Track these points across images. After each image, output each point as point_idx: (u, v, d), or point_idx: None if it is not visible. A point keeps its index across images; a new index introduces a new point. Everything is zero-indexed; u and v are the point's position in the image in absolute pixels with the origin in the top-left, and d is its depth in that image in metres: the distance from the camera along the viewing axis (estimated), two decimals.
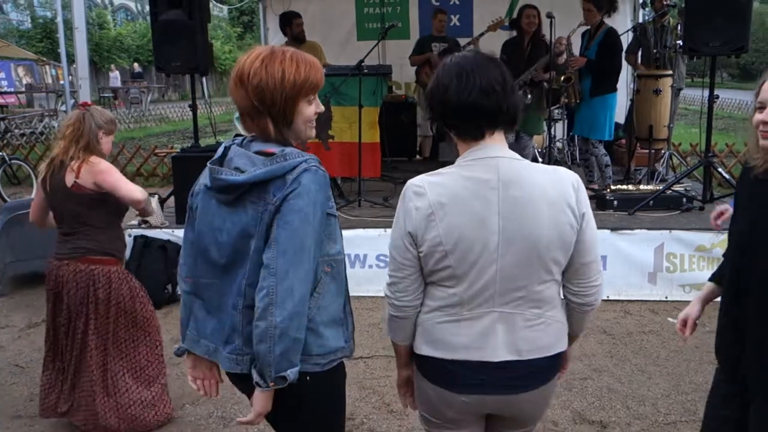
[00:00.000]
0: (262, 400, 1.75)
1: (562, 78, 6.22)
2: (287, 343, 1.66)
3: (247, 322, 1.72)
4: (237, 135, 1.87)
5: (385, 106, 6.50)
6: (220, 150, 1.84)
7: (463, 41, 7.60)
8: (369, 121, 6.15)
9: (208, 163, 1.79)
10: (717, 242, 4.90)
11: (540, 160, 8.19)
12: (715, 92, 5.58)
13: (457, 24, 9.22)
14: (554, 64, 6.23)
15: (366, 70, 6.00)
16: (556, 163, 8.69)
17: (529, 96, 6.34)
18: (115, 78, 26.36)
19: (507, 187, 1.73)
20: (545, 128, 7.02)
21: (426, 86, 6.99)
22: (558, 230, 1.73)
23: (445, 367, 1.84)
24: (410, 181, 1.80)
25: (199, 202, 1.85)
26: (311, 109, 1.78)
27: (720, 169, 6.05)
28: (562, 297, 1.88)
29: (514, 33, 6.84)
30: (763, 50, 42.69)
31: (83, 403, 3.21)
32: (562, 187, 1.76)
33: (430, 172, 1.81)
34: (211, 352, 1.85)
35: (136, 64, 27.82)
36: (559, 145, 8.94)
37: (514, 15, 8.82)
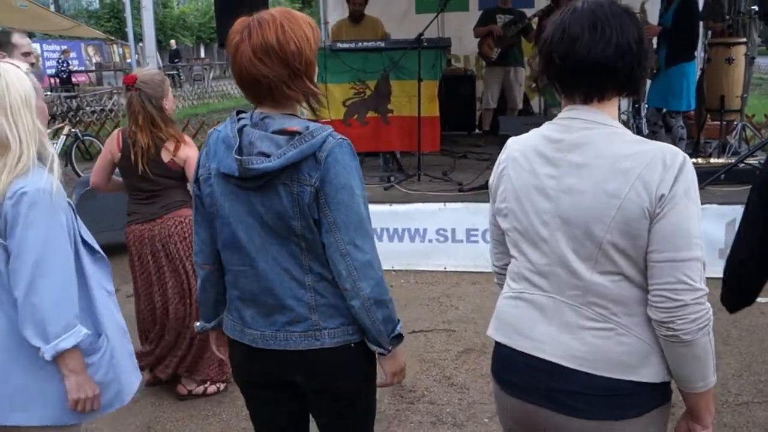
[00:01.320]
0: (389, 362, 1.84)
1: None
2: (383, 307, 1.75)
3: (320, 295, 1.75)
4: (240, 111, 1.77)
5: (444, 79, 6.44)
6: (232, 133, 1.71)
7: (529, 13, 7.43)
8: (428, 94, 6.10)
9: (234, 155, 1.67)
10: None
11: None
12: None
13: None
14: None
15: (425, 44, 5.94)
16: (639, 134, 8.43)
17: None
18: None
19: (572, 151, 1.51)
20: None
21: (488, 59, 6.94)
22: (620, 207, 1.43)
23: (499, 353, 1.68)
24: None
25: (214, 188, 1.77)
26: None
27: None
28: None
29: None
30: None
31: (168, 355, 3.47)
32: (644, 160, 1.43)
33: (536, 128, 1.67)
34: (258, 339, 1.81)
35: (173, 42, 26.93)
36: (623, 117, 8.70)
37: None
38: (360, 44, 6.21)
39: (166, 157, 3.21)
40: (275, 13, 1.67)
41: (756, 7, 5.81)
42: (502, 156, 1.68)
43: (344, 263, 1.69)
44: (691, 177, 1.44)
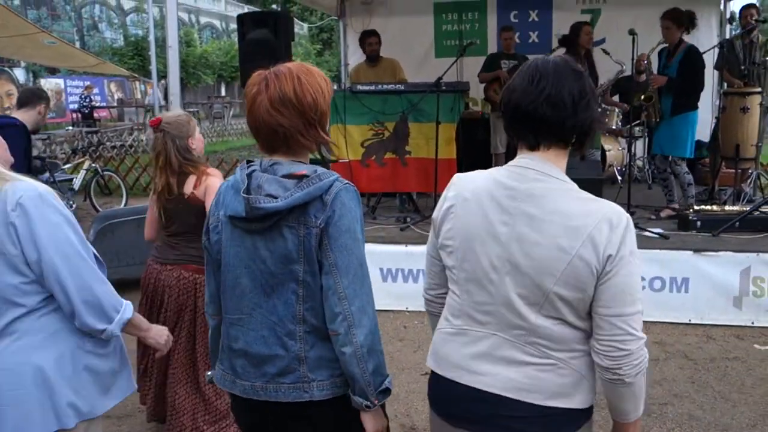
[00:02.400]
0: (371, 419, 1.79)
1: (642, 97, 6.10)
2: (375, 358, 1.74)
3: (310, 347, 1.76)
4: (248, 161, 1.83)
5: (462, 122, 6.54)
6: (241, 178, 1.77)
7: (532, 58, 7.56)
8: (446, 137, 6.20)
9: (242, 194, 1.72)
10: None
11: (620, 178, 8.04)
12: None
13: (536, 41, 9.19)
14: (635, 83, 6.14)
15: (444, 87, 6.06)
16: (636, 181, 8.51)
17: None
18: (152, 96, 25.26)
19: (527, 201, 1.57)
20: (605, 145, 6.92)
21: (495, 104, 7.06)
22: (570, 263, 1.51)
23: (440, 387, 1.71)
24: (458, 173, 1.77)
25: (221, 235, 1.82)
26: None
27: None
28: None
29: (563, 50, 6.78)
30: None
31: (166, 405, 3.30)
32: (592, 219, 1.52)
33: (482, 170, 1.74)
34: (249, 390, 1.82)
35: (163, 82, 26.19)
36: (639, 163, 8.75)
37: (593, 34, 8.81)
38: (380, 86, 6.35)
39: (187, 190, 3.12)
40: (292, 67, 1.76)
41: None
42: (449, 193, 1.72)
43: (341, 307, 1.70)
44: (633, 235, 1.56)
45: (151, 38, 10.03)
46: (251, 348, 1.80)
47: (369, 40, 7.28)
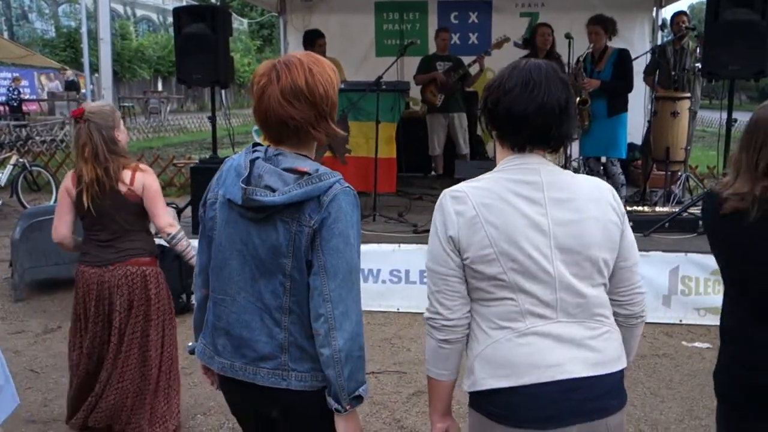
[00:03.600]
0: (345, 422, 1.77)
1: (578, 101, 6.23)
2: (353, 364, 1.72)
3: (294, 338, 1.76)
4: (254, 144, 1.83)
5: (403, 121, 6.56)
6: (244, 163, 1.77)
7: (467, 60, 7.62)
8: (386, 136, 6.20)
9: (240, 183, 1.73)
10: None
11: None
12: (734, 115, 5.57)
13: (476, 42, 9.28)
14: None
15: (384, 86, 6.06)
16: None
17: None
18: (55, 87, 23.10)
19: (551, 189, 1.68)
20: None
21: (432, 105, 7.15)
22: (605, 229, 1.69)
23: (516, 399, 1.64)
24: (446, 190, 1.73)
25: (217, 213, 1.83)
26: None
27: None
28: None
29: (527, 52, 6.89)
30: None
31: (110, 408, 3.14)
32: (603, 190, 1.75)
33: (467, 180, 1.74)
34: (227, 368, 1.84)
35: (69, 72, 22.93)
36: (575, 164, 8.95)
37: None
38: None
39: (122, 188, 3.00)
40: (302, 57, 1.75)
41: (699, 65, 6.11)
42: (457, 207, 1.67)
43: (325, 308, 1.70)
44: None
45: (84, 30, 9.66)
46: (233, 329, 1.81)
47: (319, 41, 7.21)
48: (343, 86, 6.29)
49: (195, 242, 2.12)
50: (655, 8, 9.08)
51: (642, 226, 5.59)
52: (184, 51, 5.83)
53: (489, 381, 1.67)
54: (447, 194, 1.72)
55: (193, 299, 2.09)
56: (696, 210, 5.87)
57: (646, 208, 6.09)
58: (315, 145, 1.84)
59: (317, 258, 1.70)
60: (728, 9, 5.18)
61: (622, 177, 6.44)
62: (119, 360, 3.11)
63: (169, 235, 3.13)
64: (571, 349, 1.66)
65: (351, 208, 1.73)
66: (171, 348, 3.26)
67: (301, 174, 1.70)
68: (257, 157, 1.77)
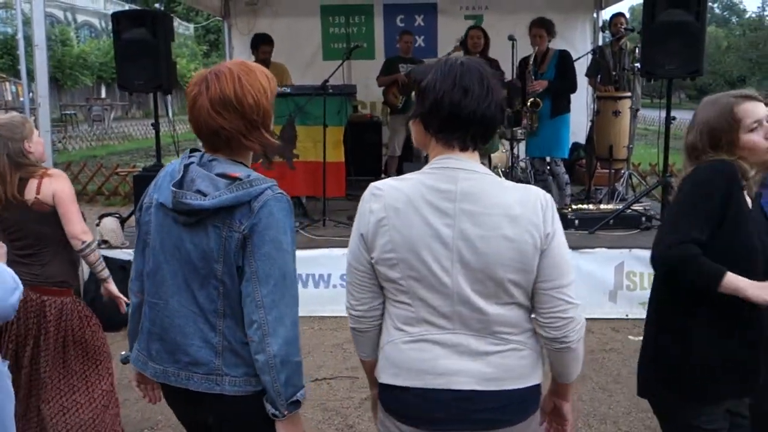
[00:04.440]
0: (284, 429, 1.77)
1: (529, 103, 6.31)
2: (289, 369, 1.71)
3: (228, 343, 1.76)
4: (192, 150, 1.83)
5: (351, 125, 6.54)
6: (178, 168, 1.78)
7: (429, 62, 7.67)
8: (333, 140, 6.17)
9: (171, 186, 1.74)
10: None
11: (504, 179, 8.31)
12: (673, 113, 5.73)
13: (422, 45, 9.33)
14: (515, 87, 6.39)
15: (330, 90, 6.03)
16: (520, 182, 8.83)
17: None
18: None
19: (465, 200, 1.63)
20: (500, 147, 7.16)
21: (394, 107, 7.14)
22: (517, 249, 1.61)
23: (408, 398, 1.70)
24: (372, 183, 1.73)
25: (152, 217, 1.83)
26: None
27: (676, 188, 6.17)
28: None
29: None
30: (718, 72, 44.06)
31: None
32: (528, 206, 1.64)
33: (395, 177, 1.74)
34: (160, 374, 1.83)
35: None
36: (522, 164, 9.08)
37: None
38: None
39: (29, 197, 2.83)
40: (232, 67, 1.75)
41: (638, 65, 6.26)
42: (374, 205, 1.68)
43: (257, 315, 1.69)
44: (557, 212, 1.70)
45: (20, 36, 9.36)
46: (167, 334, 1.80)
47: (263, 47, 7.16)
48: (289, 90, 6.26)
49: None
50: (595, 10, 9.29)
51: (587, 223, 5.72)
52: (124, 57, 5.71)
53: (384, 376, 1.75)
54: (370, 190, 1.72)
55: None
56: (639, 206, 6.02)
57: (590, 206, 6.21)
58: (251, 153, 1.84)
59: (249, 264, 1.70)
60: (664, 10, 5.34)
61: (566, 176, 6.57)
62: (26, 392, 2.93)
63: (83, 243, 2.92)
64: (466, 361, 1.66)
65: (283, 214, 1.73)
66: (92, 374, 3.07)
67: (233, 179, 1.71)
68: (192, 162, 1.78)
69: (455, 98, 1.62)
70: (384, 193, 1.68)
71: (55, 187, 2.87)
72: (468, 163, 1.67)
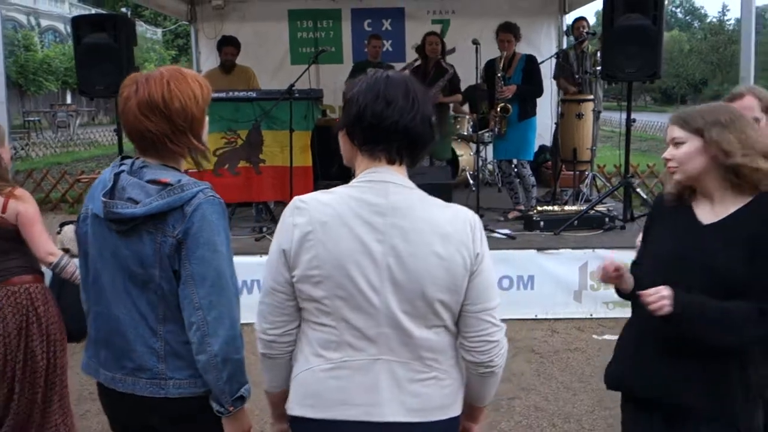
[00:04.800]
0: (231, 424, 1.80)
1: (499, 108, 6.36)
2: (231, 366, 1.73)
3: (171, 346, 1.77)
4: (123, 157, 1.85)
5: (319, 130, 6.52)
6: (108, 177, 1.80)
7: (398, 66, 7.69)
8: (300, 145, 6.15)
9: (101, 196, 1.76)
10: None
11: (472, 182, 8.38)
12: (638, 115, 5.84)
13: (390, 49, 9.36)
14: (481, 91, 6.46)
15: (297, 94, 6.02)
16: (487, 185, 8.91)
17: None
18: None
19: (395, 215, 1.56)
20: (469, 150, 7.22)
21: None
22: (448, 269, 1.55)
23: (323, 430, 1.59)
24: (297, 197, 1.64)
25: (88, 228, 1.84)
26: (206, 119, 1.87)
27: (638, 189, 6.30)
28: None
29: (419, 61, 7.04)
30: (681, 75, 44.95)
31: None
32: (458, 224, 1.59)
33: (321, 190, 1.66)
34: (109, 380, 1.84)
35: None
36: (490, 167, 9.16)
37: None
38: (231, 93, 6.20)
39: None
40: (164, 71, 1.78)
41: (599, 68, 6.36)
42: (298, 219, 1.58)
43: (196, 317, 1.71)
44: (484, 232, 1.66)
45: None
46: (111, 341, 1.82)
47: (226, 49, 7.10)
48: (255, 95, 6.23)
49: None
50: (559, 14, 9.43)
51: (552, 224, 5.78)
52: (84, 61, 5.64)
53: (296, 408, 1.62)
54: (293, 203, 1.62)
55: None
56: (602, 207, 6.12)
57: (556, 208, 6.29)
58: (182, 158, 1.85)
59: (184, 268, 1.72)
60: (622, 15, 5.44)
61: (533, 178, 6.64)
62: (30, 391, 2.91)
63: (51, 264, 2.89)
64: (387, 390, 1.57)
65: (216, 216, 1.74)
66: (61, 373, 3.03)
67: (164, 185, 1.73)
68: (122, 171, 1.79)
69: (377, 109, 1.57)
70: (309, 207, 1.58)
71: (20, 208, 2.83)
72: (397, 176, 1.61)
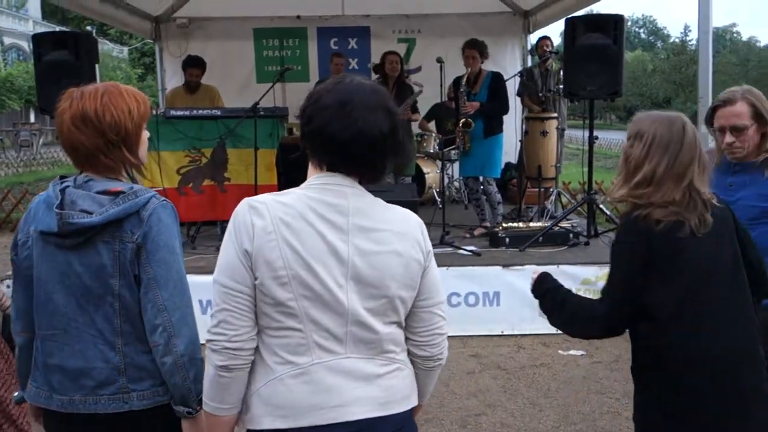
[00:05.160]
0: (193, 425, 1.81)
1: (462, 123, 6.39)
2: (196, 366, 1.76)
3: (130, 358, 1.78)
4: (61, 176, 1.85)
5: (284, 148, 6.48)
6: (54, 194, 1.78)
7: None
8: (265, 163, 6.11)
9: (54, 209, 1.74)
10: (601, 275, 5.13)
11: (439, 199, 8.42)
12: (603, 133, 5.95)
13: (356, 68, 9.41)
14: (446, 109, 6.49)
15: (262, 112, 5.99)
16: (454, 202, 8.95)
17: None
18: None
19: (357, 215, 1.58)
20: (435, 167, 7.25)
21: None
22: (407, 266, 1.61)
23: None
24: (247, 198, 1.59)
25: (32, 250, 1.81)
26: (146, 134, 1.89)
27: (602, 206, 6.38)
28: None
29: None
30: (645, 94, 45.94)
31: None
32: (410, 223, 1.66)
33: (271, 193, 1.63)
34: (67, 404, 1.80)
35: None
36: (456, 184, 9.21)
37: (410, 62, 9.17)
38: (195, 111, 6.15)
39: None
40: (101, 86, 1.81)
41: (562, 86, 6.45)
42: (257, 219, 1.53)
43: (161, 318, 1.74)
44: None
45: None
46: (67, 362, 1.79)
47: (190, 70, 7.06)
48: (219, 113, 6.19)
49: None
50: (523, 34, 9.57)
51: (517, 241, 5.82)
52: (45, 79, 5.54)
53: (267, 420, 1.55)
54: (246, 203, 1.58)
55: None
56: (567, 224, 6.18)
57: (521, 224, 6.33)
58: (120, 172, 1.86)
59: (146, 272, 1.74)
60: (583, 34, 5.54)
61: (499, 195, 6.67)
62: None
63: None
64: (359, 387, 1.57)
65: (171, 220, 1.79)
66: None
67: (116, 194, 1.76)
68: (67, 186, 1.79)
69: (321, 120, 1.57)
70: (266, 207, 1.55)
71: None
72: (350, 181, 1.62)
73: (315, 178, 1.62)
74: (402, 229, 1.63)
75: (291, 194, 1.60)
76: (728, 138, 2.51)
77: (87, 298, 1.77)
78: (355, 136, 1.56)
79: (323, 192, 1.59)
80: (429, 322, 1.68)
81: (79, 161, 1.82)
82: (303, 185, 1.63)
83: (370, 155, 1.59)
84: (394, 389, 1.63)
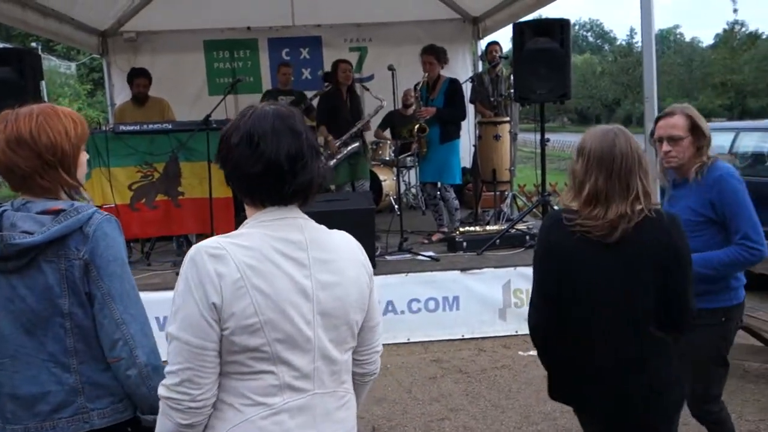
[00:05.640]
0: None
1: (416, 128, 6.41)
2: (159, 375, 1.72)
3: (87, 377, 1.75)
4: None
5: None
6: None
7: (310, 94, 7.68)
8: (220, 176, 5.96)
9: None
10: None
11: (396, 206, 8.44)
12: (557, 136, 6.09)
13: (309, 77, 9.41)
14: (402, 116, 6.50)
15: (214, 125, 5.92)
16: (411, 208, 8.99)
17: (357, 144, 6.72)
18: None
19: (314, 248, 1.56)
20: (391, 174, 7.27)
21: None
22: (360, 290, 1.63)
23: None
24: (200, 244, 1.50)
25: None
26: (84, 155, 1.87)
27: (556, 207, 6.47)
28: None
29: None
30: (595, 96, 46.96)
31: None
32: (353, 246, 1.68)
33: (222, 234, 1.55)
34: None
35: None
36: (413, 191, 9.26)
37: (362, 70, 9.19)
38: (145, 126, 6.04)
39: None
40: (35, 108, 1.78)
41: (513, 91, 6.54)
42: (220, 267, 1.46)
43: (120, 332, 1.73)
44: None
45: None
46: (20, 390, 1.76)
47: (137, 81, 6.93)
48: (170, 126, 6.10)
49: None
50: (473, 40, 9.69)
51: (475, 245, 5.87)
52: None
53: None
54: (202, 251, 1.47)
55: None
56: (522, 226, 6.26)
57: (478, 228, 6.39)
58: (58, 193, 1.81)
59: (99, 287, 1.73)
60: (531, 38, 5.64)
61: (456, 201, 6.70)
62: None
63: None
64: (322, 423, 1.56)
65: (117, 233, 1.79)
66: None
67: (57, 212, 1.73)
68: (5, 210, 1.77)
69: (234, 159, 1.52)
70: (228, 252, 1.47)
71: None
72: (295, 211, 1.59)
73: (263, 214, 1.56)
74: (350, 255, 1.65)
75: (248, 236, 1.53)
76: (665, 147, 2.77)
77: (34, 322, 1.73)
78: (267, 167, 1.51)
79: (281, 229, 1.54)
80: (371, 341, 1.73)
81: (16, 184, 1.79)
82: (254, 224, 1.55)
83: (289, 180, 1.53)
84: (345, 422, 1.64)
